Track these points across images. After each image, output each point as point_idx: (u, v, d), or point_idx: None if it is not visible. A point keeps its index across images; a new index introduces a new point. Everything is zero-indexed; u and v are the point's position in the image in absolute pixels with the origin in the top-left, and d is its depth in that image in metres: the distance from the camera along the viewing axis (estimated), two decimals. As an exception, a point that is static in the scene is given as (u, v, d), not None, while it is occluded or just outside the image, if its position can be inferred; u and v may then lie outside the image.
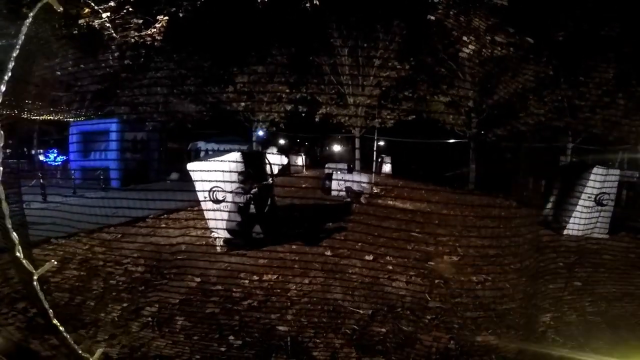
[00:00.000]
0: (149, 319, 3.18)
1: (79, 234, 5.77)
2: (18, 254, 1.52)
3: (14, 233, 1.53)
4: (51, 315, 1.63)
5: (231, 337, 2.93)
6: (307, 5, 7.86)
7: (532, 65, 12.53)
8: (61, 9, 1.59)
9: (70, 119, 14.52)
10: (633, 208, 8.80)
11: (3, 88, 1.49)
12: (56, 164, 15.09)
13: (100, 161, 13.87)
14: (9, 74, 1.50)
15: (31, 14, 1.55)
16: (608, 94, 12.33)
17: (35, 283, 1.56)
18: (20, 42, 1.53)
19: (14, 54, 1.51)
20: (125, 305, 3.46)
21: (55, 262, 1.78)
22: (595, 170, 7.12)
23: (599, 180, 7.04)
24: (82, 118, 14.92)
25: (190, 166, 6.20)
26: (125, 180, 13.08)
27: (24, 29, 1.54)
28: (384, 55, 16.71)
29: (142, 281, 4.12)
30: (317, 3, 7.85)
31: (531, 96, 13.80)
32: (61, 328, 1.66)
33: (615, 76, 11.91)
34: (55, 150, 14.79)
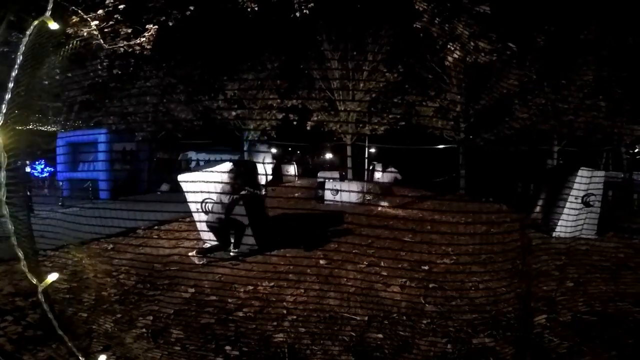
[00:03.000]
0: (144, 330, 3.12)
1: (69, 246, 5.65)
2: (24, 269, 1.55)
3: (20, 250, 1.56)
4: (56, 325, 1.64)
5: (227, 348, 2.89)
6: (297, 14, 7.96)
7: (516, 70, 12.84)
8: (57, 26, 1.62)
9: (58, 130, 14.31)
10: (619, 208, 9.00)
11: (4, 109, 1.52)
12: (43, 175, 14.80)
13: (89, 172, 13.66)
14: (9, 95, 1.53)
15: (27, 33, 1.57)
16: (590, 97, 12.68)
17: (40, 295, 1.58)
18: (18, 60, 1.55)
19: (14, 74, 1.54)
20: (118, 316, 3.40)
21: (57, 275, 1.79)
22: (580, 172, 7.27)
23: (585, 182, 7.19)
24: (70, 128, 14.72)
25: (181, 177, 6.14)
26: (114, 191, 12.89)
27: (22, 49, 1.56)
28: (373, 63, 16.94)
29: (135, 293, 4.05)
30: (307, 12, 7.96)
31: (516, 100, 14.10)
32: (65, 337, 1.66)
33: (595, 79, 12.28)
34: (43, 162, 14.51)
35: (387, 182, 12.05)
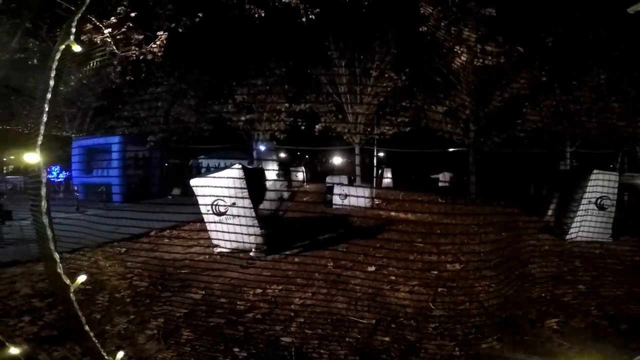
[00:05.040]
0: (155, 331, 3.19)
1: (85, 249, 5.80)
2: (59, 271, 1.67)
3: (56, 254, 1.68)
4: (84, 322, 1.74)
5: (236, 349, 2.93)
6: (304, 19, 8.06)
7: (526, 72, 12.70)
8: (80, 49, 1.74)
9: (73, 135, 14.67)
10: (635, 211, 8.77)
11: (42, 129, 1.63)
12: (59, 180, 15.18)
13: (103, 177, 13.95)
14: (45, 117, 1.65)
15: (56, 57, 1.69)
16: (602, 98, 12.46)
17: (71, 294, 1.69)
18: (51, 83, 1.67)
19: (49, 96, 1.66)
20: (132, 317, 3.48)
21: (85, 277, 1.93)
22: (594, 174, 7.14)
23: (599, 184, 7.06)
24: (84, 134, 15.09)
25: (192, 182, 6.27)
26: (127, 196, 13.13)
27: (52, 74, 1.68)
28: (381, 67, 16.95)
29: (148, 294, 4.13)
30: (313, 17, 8.05)
31: (527, 103, 13.92)
32: (91, 334, 1.77)
33: (607, 79, 12.08)
34: (58, 167, 14.89)
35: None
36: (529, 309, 3.71)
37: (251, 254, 5.82)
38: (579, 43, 11.43)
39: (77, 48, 1.74)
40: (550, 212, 8.20)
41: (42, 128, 1.73)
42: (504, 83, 14.01)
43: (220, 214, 6.01)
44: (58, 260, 1.72)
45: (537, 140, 15.03)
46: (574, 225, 7.10)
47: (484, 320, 3.52)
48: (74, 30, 1.71)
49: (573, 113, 13.26)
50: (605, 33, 10.97)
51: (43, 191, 1.75)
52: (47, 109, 1.71)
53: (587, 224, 6.97)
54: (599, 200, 7.07)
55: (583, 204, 7.09)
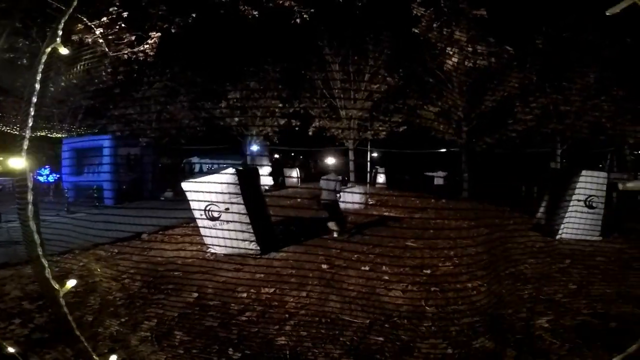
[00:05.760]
0: (148, 333, 3.16)
1: (75, 251, 5.73)
2: (48, 276, 1.65)
3: (44, 259, 1.67)
4: (74, 325, 1.72)
5: (230, 350, 2.92)
6: (298, 20, 8.06)
7: (516, 72, 12.86)
8: (67, 52, 1.73)
9: (63, 136, 14.45)
10: (624, 210, 8.93)
11: (29, 134, 1.62)
12: (49, 181, 14.90)
13: (94, 179, 13.77)
14: (31, 121, 1.63)
15: (42, 60, 1.67)
16: (592, 98, 12.67)
17: (61, 299, 1.68)
18: (37, 87, 1.65)
19: (34, 100, 1.64)
20: (125, 319, 3.44)
21: (75, 281, 1.91)
22: (583, 173, 7.26)
23: (588, 184, 7.18)
24: (74, 134, 14.88)
25: (184, 185, 6.21)
26: (118, 198, 12.98)
27: (39, 78, 1.66)
28: (374, 68, 17.00)
29: (141, 296, 4.09)
30: (307, 18, 8.06)
31: (518, 103, 14.08)
32: (82, 337, 1.75)
33: (597, 80, 12.29)
34: (48, 168, 14.61)
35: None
36: (520, 308, 3.76)
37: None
38: (569, 44, 11.61)
39: (64, 51, 1.73)
40: (541, 212, 8.31)
41: (28, 132, 1.71)
42: (495, 83, 14.16)
43: (213, 218, 5.97)
44: (46, 265, 1.70)
45: (528, 140, 15.21)
46: (563, 224, 7.21)
47: (476, 319, 3.55)
48: (60, 32, 1.69)
49: (563, 113, 13.46)
50: (596, 34, 11.15)
51: (29, 196, 1.73)
52: (32, 113, 1.69)
53: (576, 223, 7.08)
54: (588, 200, 7.19)
55: (572, 204, 7.21)
